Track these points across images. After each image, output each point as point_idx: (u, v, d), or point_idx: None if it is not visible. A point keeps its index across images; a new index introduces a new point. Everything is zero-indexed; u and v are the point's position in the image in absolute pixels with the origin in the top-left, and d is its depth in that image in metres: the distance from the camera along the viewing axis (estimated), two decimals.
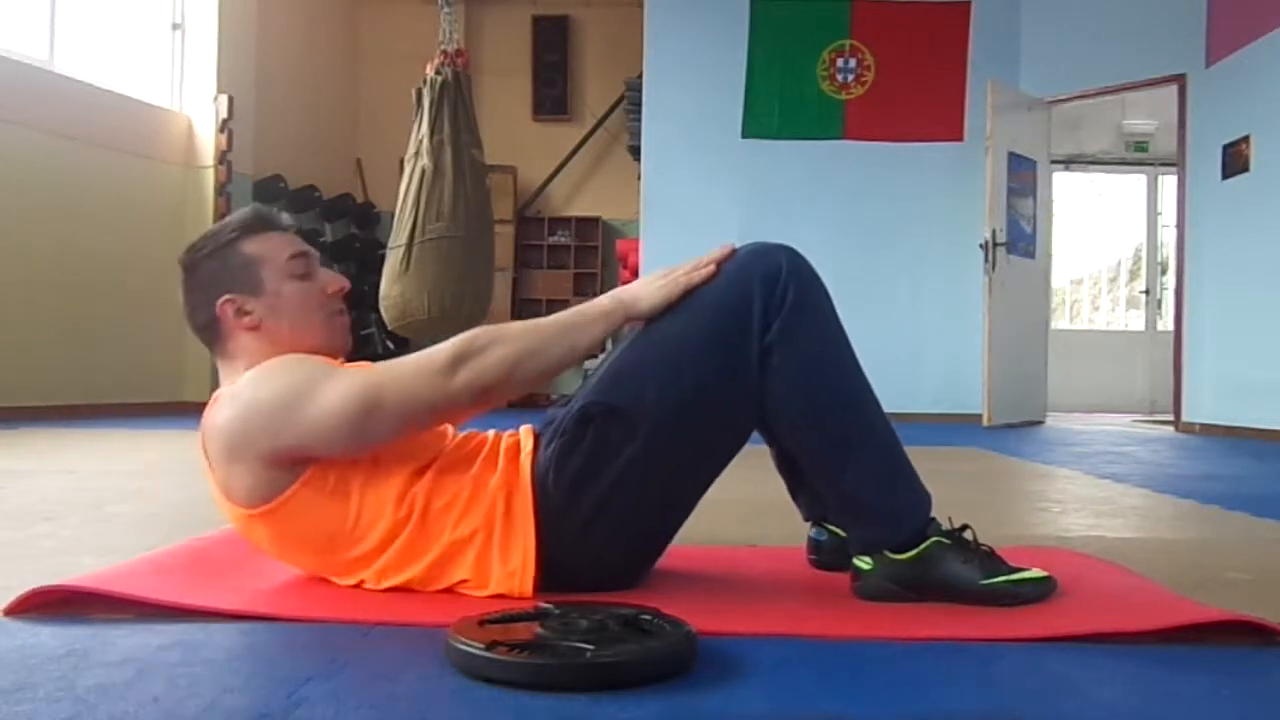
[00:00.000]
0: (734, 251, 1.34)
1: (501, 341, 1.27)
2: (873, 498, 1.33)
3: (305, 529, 1.29)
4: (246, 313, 1.35)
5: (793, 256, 1.33)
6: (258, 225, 1.40)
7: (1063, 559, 1.56)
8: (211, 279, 1.36)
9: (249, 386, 1.27)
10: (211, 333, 1.37)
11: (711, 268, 1.32)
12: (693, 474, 1.36)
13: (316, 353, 1.37)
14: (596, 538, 1.30)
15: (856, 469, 1.32)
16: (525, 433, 1.40)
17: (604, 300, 1.34)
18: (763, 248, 1.35)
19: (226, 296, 1.35)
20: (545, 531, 1.29)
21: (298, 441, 1.24)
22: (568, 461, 1.30)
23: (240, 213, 1.42)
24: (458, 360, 1.25)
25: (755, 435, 1.41)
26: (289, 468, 1.26)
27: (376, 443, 1.28)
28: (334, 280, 1.44)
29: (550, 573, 1.28)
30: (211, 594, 1.26)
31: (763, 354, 1.29)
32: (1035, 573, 1.30)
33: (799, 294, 1.30)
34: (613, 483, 1.28)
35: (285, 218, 1.46)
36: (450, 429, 1.41)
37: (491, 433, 1.43)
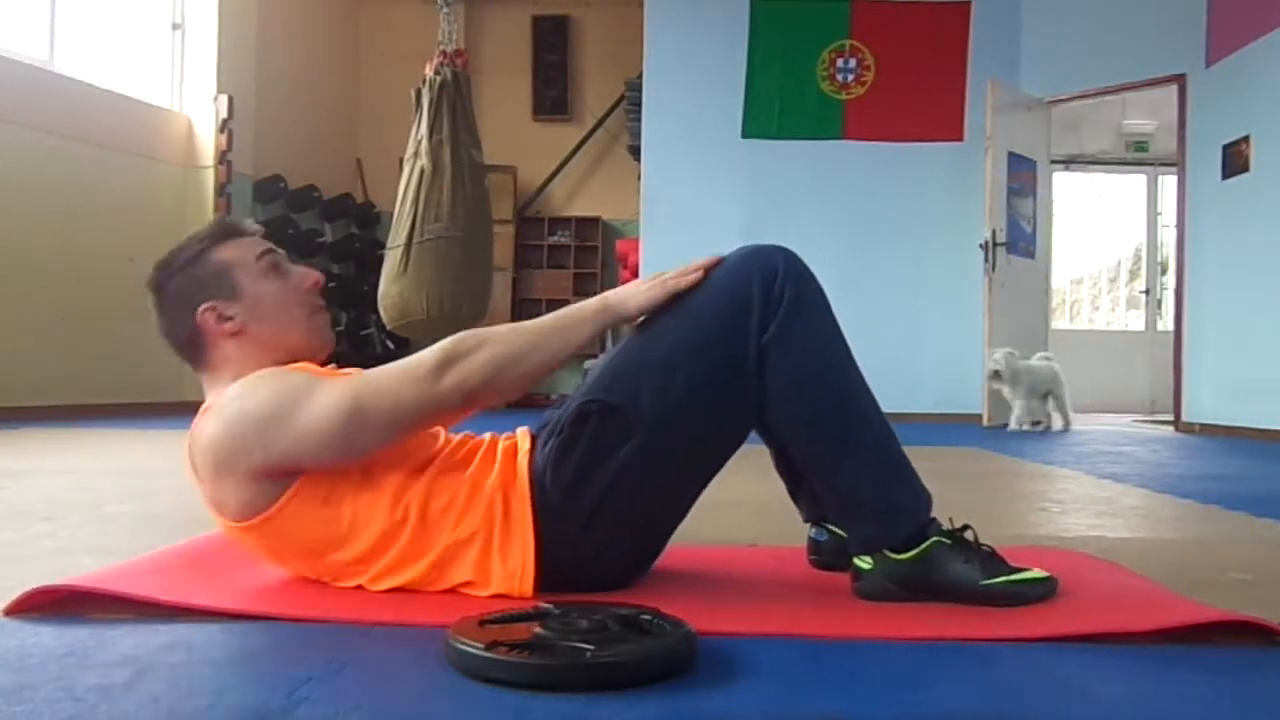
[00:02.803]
0: (722, 260, 1.35)
1: (489, 344, 1.27)
2: (871, 497, 1.33)
3: (299, 537, 1.29)
4: (228, 318, 1.34)
5: (789, 258, 1.34)
6: (224, 233, 1.40)
7: (1063, 559, 1.56)
8: (187, 291, 1.35)
9: (234, 400, 1.26)
10: (195, 346, 1.36)
11: (699, 274, 1.32)
12: (690, 473, 1.36)
13: (301, 351, 1.37)
14: (595, 537, 1.30)
15: (854, 468, 1.32)
16: (522, 434, 1.40)
17: (592, 302, 1.34)
18: (759, 249, 1.35)
19: (206, 305, 1.34)
20: (544, 531, 1.29)
21: (287, 453, 1.24)
22: (565, 461, 1.30)
23: (205, 226, 1.43)
24: (445, 363, 1.25)
25: (755, 436, 1.41)
26: (279, 479, 1.26)
27: (367, 450, 1.27)
28: (307, 275, 1.43)
29: (550, 572, 1.28)
30: (211, 594, 1.26)
31: (760, 354, 1.29)
32: (1036, 573, 1.30)
33: (796, 295, 1.30)
34: (610, 481, 1.29)
35: (250, 223, 1.45)
36: (443, 432, 1.41)
37: (488, 435, 1.43)
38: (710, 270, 1.33)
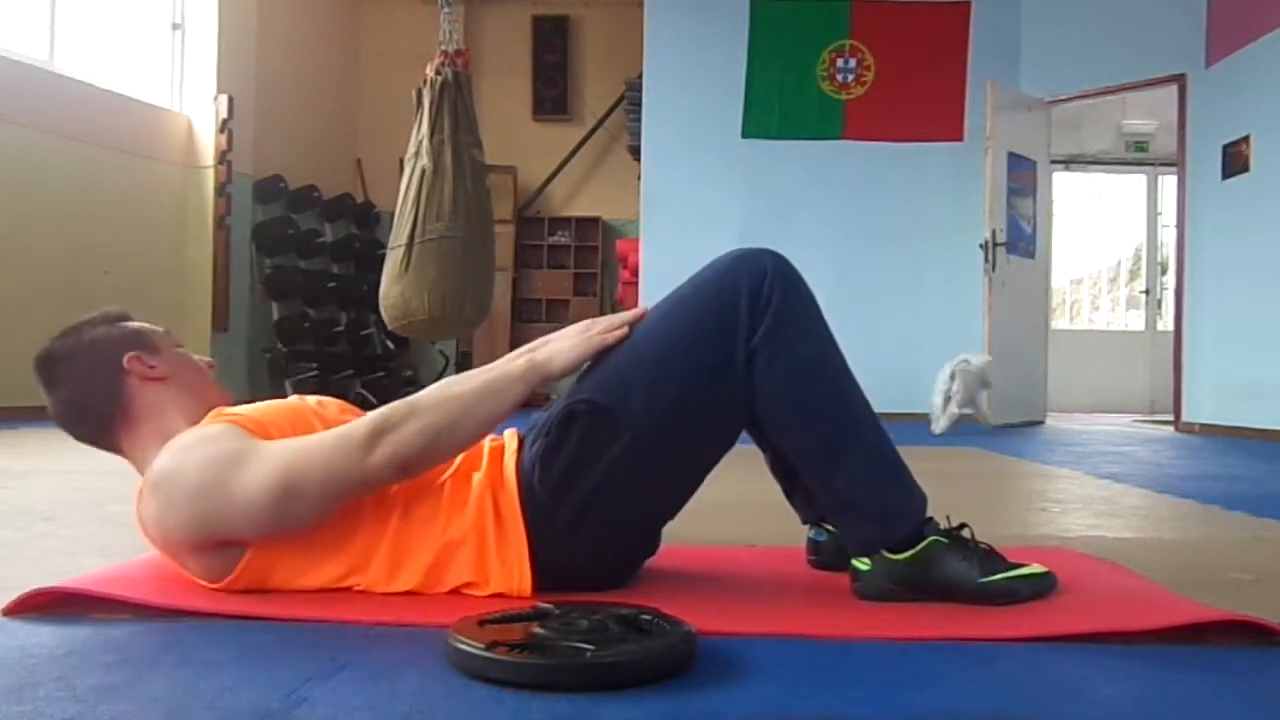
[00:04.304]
0: (645, 314, 1.35)
1: (418, 414, 1.25)
2: (864, 497, 1.33)
3: (279, 572, 1.27)
4: (152, 365, 1.34)
5: (778, 260, 1.34)
6: (122, 314, 1.41)
7: (1063, 559, 1.56)
8: (109, 341, 1.34)
9: (167, 474, 1.23)
10: (113, 403, 1.33)
11: (625, 330, 1.32)
12: (680, 474, 1.36)
13: (208, 402, 1.35)
14: (584, 537, 1.30)
15: (847, 469, 1.32)
16: (510, 435, 1.40)
17: (519, 363, 1.33)
18: (748, 252, 1.35)
19: (131, 353, 1.33)
20: (534, 531, 1.29)
21: (225, 528, 1.23)
22: (553, 461, 1.30)
23: (91, 315, 1.41)
24: (375, 435, 1.22)
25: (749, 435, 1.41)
26: (233, 545, 1.25)
27: (303, 522, 1.24)
28: (202, 359, 1.45)
29: (545, 572, 1.29)
30: (211, 594, 1.26)
31: (749, 356, 1.29)
32: (1034, 568, 1.31)
33: (784, 297, 1.30)
34: (598, 482, 1.29)
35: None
36: None
37: None
38: (634, 326, 1.33)
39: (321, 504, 1.23)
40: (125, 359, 1.33)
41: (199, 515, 1.22)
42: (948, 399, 5.83)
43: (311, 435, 1.27)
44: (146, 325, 1.42)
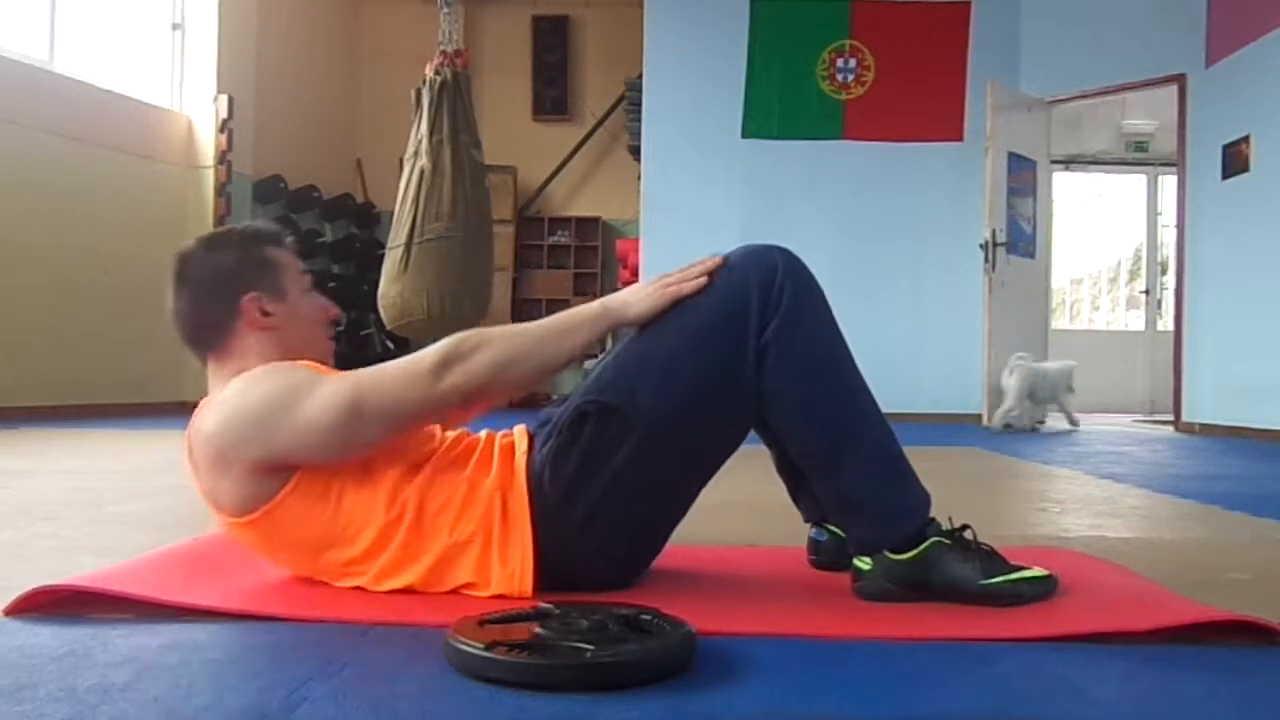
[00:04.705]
0: (725, 260, 1.34)
1: (488, 344, 1.27)
2: (869, 497, 1.33)
3: (295, 534, 1.29)
4: (269, 313, 1.35)
5: (788, 258, 1.34)
6: (274, 236, 1.42)
7: (1063, 559, 1.56)
8: (236, 273, 1.36)
9: (235, 395, 1.26)
10: (220, 330, 1.35)
11: (703, 279, 1.32)
12: (689, 472, 1.36)
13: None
14: (594, 536, 1.30)
15: (853, 468, 1.32)
16: (520, 433, 1.40)
17: (593, 305, 1.34)
18: (758, 249, 1.35)
19: (254, 293, 1.35)
20: (542, 531, 1.29)
21: (286, 448, 1.24)
22: (563, 460, 1.30)
23: (250, 223, 1.43)
24: (445, 363, 1.25)
25: (755, 436, 1.41)
26: (277, 474, 1.26)
27: (365, 447, 1.27)
28: (330, 306, 1.46)
29: (549, 572, 1.28)
30: (212, 594, 1.26)
31: (759, 354, 1.29)
32: (1036, 571, 1.31)
33: (795, 295, 1.30)
34: (609, 481, 1.29)
35: (289, 238, 1.47)
36: (438, 430, 1.41)
37: (484, 433, 1.42)
38: (714, 274, 1.33)
39: (386, 428, 1.25)
40: (245, 298, 1.34)
41: (265, 425, 1.23)
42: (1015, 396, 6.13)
43: (382, 364, 1.29)
44: (286, 258, 1.41)
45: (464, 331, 1.29)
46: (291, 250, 1.44)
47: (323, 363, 1.40)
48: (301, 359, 1.35)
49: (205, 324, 1.37)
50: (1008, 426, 6.06)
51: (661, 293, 1.32)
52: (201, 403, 1.32)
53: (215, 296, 1.36)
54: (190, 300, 1.37)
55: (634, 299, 1.33)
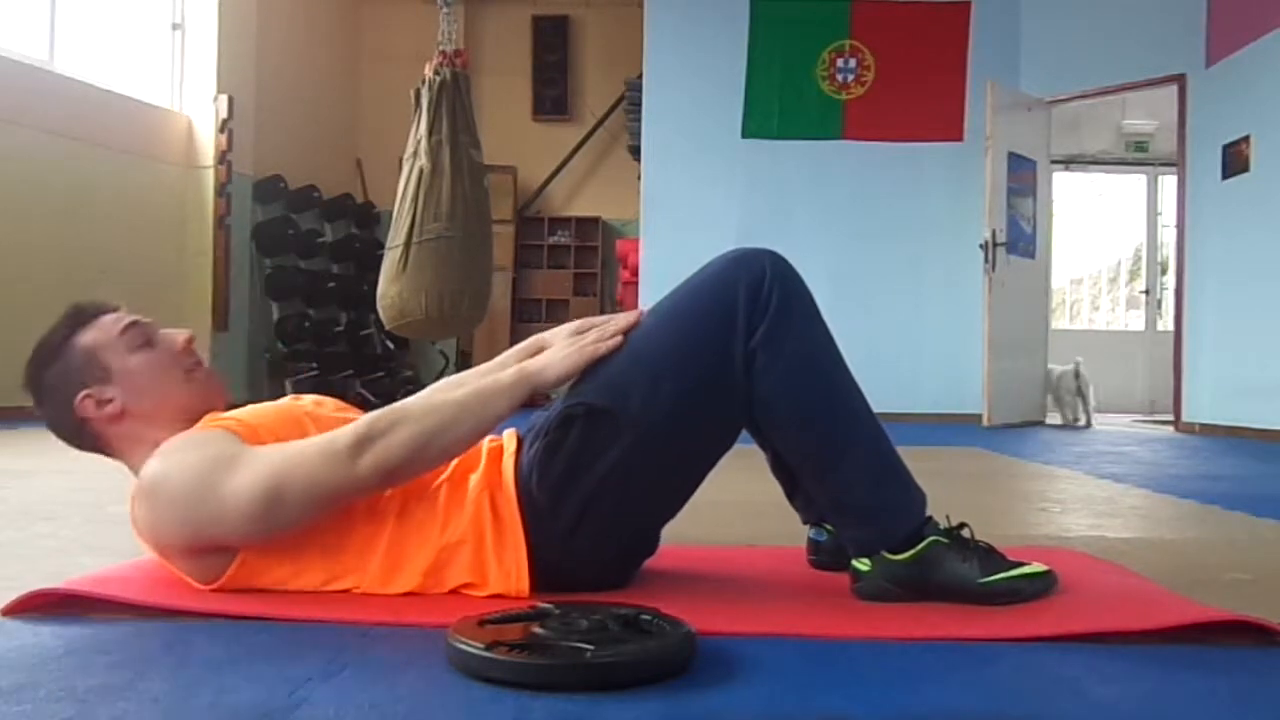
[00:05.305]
0: (640, 319, 1.33)
1: (405, 422, 1.23)
2: (864, 497, 1.33)
3: (274, 572, 1.27)
4: (107, 401, 1.30)
5: (776, 260, 1.33)
6: (80, 318, 1.35)
7: (1063, 559, 1.56)
8: (60, 384, 1.31)
9: (157, 480, 1.22)
10: (85, 435, 1.32)
11: (619, 339, 1.31)
12: (679, 475, 1.36)
13: (194, 410, 1.32)
14: (583, 538, 1.30)
15: (847, 470, 1.32)
16: (509, 435, 1.40)
17: (510, 372, 1.31)
18: (746, 252, 1.35)
19: (82, 393, 1.29)
20: (532, 533, 1.29)
21: (213, 535, 1.22)
22: (551, 463, 1.29)
23: (67, 311, 1.37)
24: (360, 443, 1.21)
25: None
26: (225, 548, 1.25)
27: (289, 528, 1.24)
28: (176, 336, 1.38)
29: (544, 572, 1.28)
30: (211, 594, 1.26)
31: (748, 358, 1.29)
32: (1035, 567, 1.31)
33: (784, 297, 1.30)
34: (597, 484, 1.28)
35: (107, 302, 1.39)
36: None
37: None
38: (628, 334, 1.32)
39: (308, 510, 1.22)
40: (77, 402, 1.29)
41: (188, 520, 1.21)
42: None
43: (301, 440, 1.25)
44: (95, 334, 1.33)
45: (379, 410, 1.26)
46: (108, 314, 1.36)
47: (209, 398, 1.35)
48: (190, 410, 1.31)
49: (73, 436, 1.33)
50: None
51: (579, 353, 1.30)
52: (131, 490, 1.28)
53: (60, 414, 1.32)
54: (50, 425, 1.34)
55: (551, 361, 1.31)
